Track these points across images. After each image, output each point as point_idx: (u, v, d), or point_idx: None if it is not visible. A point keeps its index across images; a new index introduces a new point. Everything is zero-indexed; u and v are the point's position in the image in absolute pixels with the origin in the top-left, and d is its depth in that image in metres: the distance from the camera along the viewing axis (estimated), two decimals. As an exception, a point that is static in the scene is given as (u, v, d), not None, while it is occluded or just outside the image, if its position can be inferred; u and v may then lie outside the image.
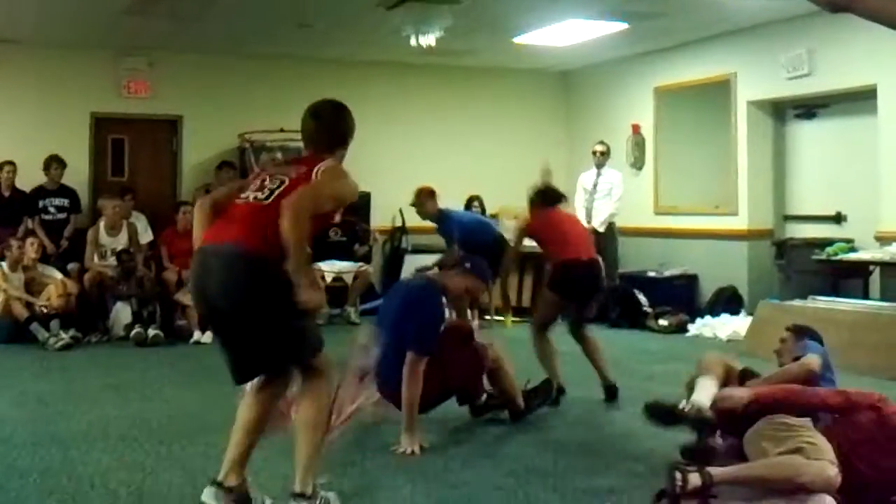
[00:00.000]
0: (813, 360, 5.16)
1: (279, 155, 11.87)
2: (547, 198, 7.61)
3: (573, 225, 7.79)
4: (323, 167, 4.46)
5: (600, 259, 7.58)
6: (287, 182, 4.40)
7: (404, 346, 5.83)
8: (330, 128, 4.73)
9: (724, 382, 5.15)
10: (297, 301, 4.17)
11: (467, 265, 6.36)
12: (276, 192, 4.36)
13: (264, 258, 4.23)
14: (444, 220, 10.64)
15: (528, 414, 6.34)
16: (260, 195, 4.40)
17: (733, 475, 4.40)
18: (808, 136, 11.50)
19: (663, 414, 5.19)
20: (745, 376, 5.37)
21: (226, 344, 4.49)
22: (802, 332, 5.48)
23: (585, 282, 7.34)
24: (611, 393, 7.25)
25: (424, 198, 10.63)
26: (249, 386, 4.61)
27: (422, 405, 5.87)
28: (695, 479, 4.32)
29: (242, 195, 4.47)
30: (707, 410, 4.98)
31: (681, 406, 5.07)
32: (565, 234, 7.39)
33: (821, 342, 5.41)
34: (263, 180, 4.49)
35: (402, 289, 6.61)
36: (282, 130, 11.65)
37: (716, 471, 4.37)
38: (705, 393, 5.06)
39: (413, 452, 5.66)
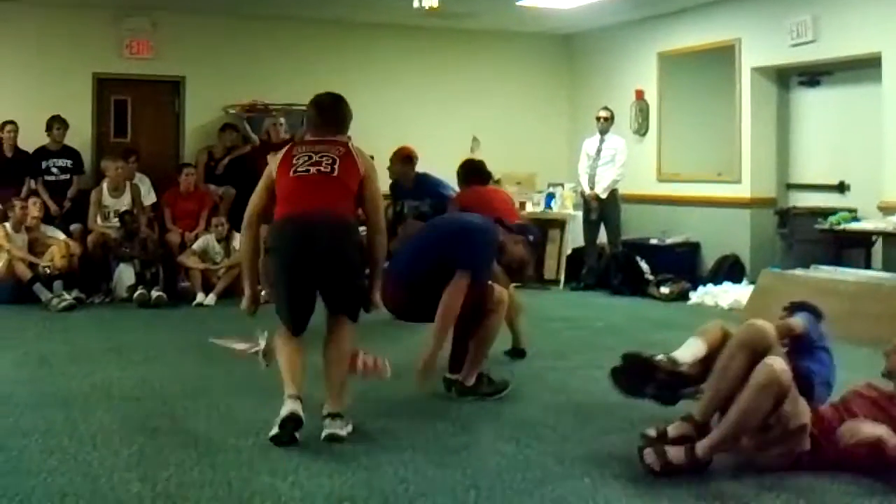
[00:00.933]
0: (796, 321, 5.22)
1: (283, 120, 11.87)
2: (476, 177, 8.09)
3: (502, 201, 7.99)
4: (365, 164, 5.41)
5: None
6: (338, 159, 5.29)
7: (455, 265, 5.84)
8: (333, 117, 5.55)
9: (719, 346, 5.15)
10: (371, 300, 5.48)
11: (530, 237, 6.37)
12: (337, 166, 5.27)
13: (349, 221, 5.34)
14: (426, 182, 9.85)
15: (470, 394, 6.21)
16: (323, 168, 5.25)
17: (718, 438, 4.53)
18: (811, 103, 11.46)
19: (636, 363, 5.17)
20: None
21: (309, 296, 5.28)
22: (795, 308, 5.51)
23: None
24: (517, 353, 7.52)
25: (402, 160, 9.83)
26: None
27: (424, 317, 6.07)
28: (677, 454, 4.48)
29: (300, 170, 5.27)
30: (681, 364, 5.07)
31: (657, 357, 5.13)
32: (496, 210, 7.36)
33: (819, 315, 5.41)
34: (310, 157, 5.31)
35: (464, 218, 6.51)
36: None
37: (701, 444, 4.50)
38: (689, 350, 5.15)
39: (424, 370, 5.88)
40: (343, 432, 5.13)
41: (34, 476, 4.52)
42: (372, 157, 5.64)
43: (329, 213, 5.21)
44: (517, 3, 11.92)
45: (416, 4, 10.65)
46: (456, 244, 6.01)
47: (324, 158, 5.29)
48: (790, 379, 4.51)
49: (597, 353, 7.41)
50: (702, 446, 4.54)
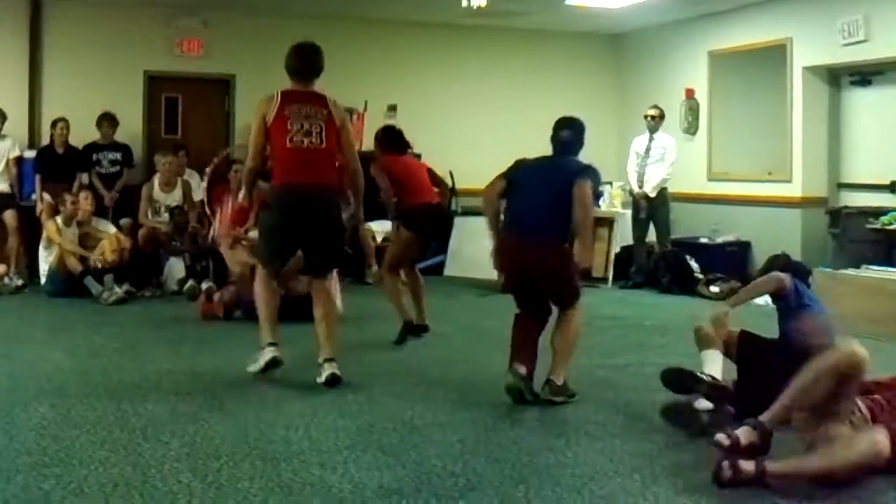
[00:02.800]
0: (775, 274, 5.59)
1: None
2: (397, 144, 8.45)
3: (420, 171, 8.47)
4: (340, 115, 6.44)
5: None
6: (324, 126, 6.29)
7: (572, 183, 5.93)
8: (313, 65, 6.49)
9: (726, 350, 5.52)
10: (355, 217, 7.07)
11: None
12: (324, 135, 6.29)
13: (334, 190, 6.47)
14: None
15: (560, 395, 6.04)
16: (314, 140, 6.26)
17: (793, 470, 4.46)
18: (863, 103, 11.34)
19: (684, 377, 5.46)
20: (744, 338, 5.68)
21: (292, 249, 6.50)
22: (781, 268, 5.79)
23: (437, 221, 8.63)
24: (415, 329, 8.08)
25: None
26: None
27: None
28: (748, 468, 4.39)
29: (295, 139, 6.23)
30: (721, 381, 5.36)
31: (699, 374, 5.36)
32: (419, 180, 8.26)
33: (804, 274, 5.66)
34: (302, 125, 6.25)
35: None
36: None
37: (772, 465, 4.41)
38: (716, 366, 5.46)
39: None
40: (340, 373, 6.22)
41: (86, 466, 4.56)
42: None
43: (318, 185, 6.31)
44: (566, 3, 11.88)
45: (464, 3, 10.65)
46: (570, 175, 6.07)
47: (314, 127, 6.26)
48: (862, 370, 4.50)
49: (646, 351, 7.39)
50: (771, 465, 4.41)
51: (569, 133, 6.35)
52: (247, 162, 6.59)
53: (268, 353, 6.35)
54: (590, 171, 6.09)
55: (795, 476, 4.45)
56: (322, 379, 6.17)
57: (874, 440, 4.38)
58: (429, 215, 8.24)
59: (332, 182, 6.41)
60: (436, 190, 8.48)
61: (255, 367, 6.39)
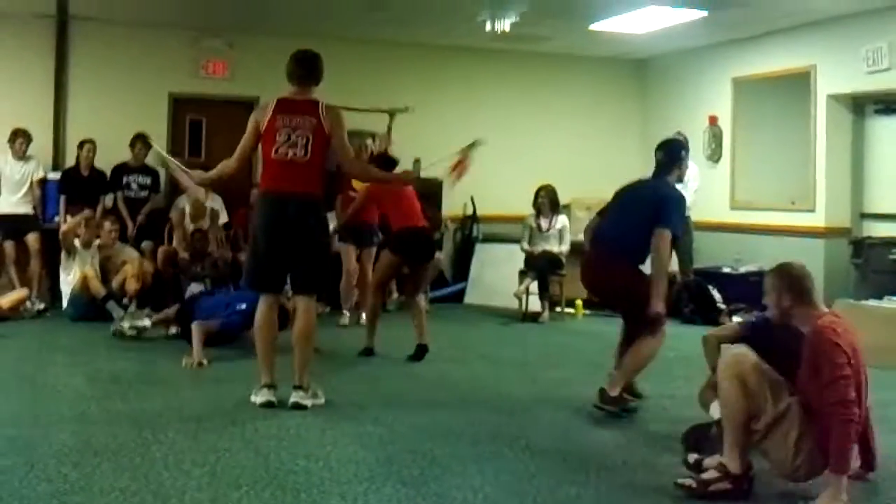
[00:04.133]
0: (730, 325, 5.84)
1: (369, 142, 11.62)
2: (389, 168, 8.90)
3: (411, 197, 8.71)
4: (329, 115, 6.55)
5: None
6: (311, 137, 6.45)
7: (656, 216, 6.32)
8: (310, 72, 6.79)
9: None
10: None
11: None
12: (310, 147, 6.44)
13: (315, 198, 6.57)
14: None
15: (609, 406, 6.34)
16: (298, 153, 6.43)
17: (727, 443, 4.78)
18: (887, 132, 11.27)
19: (698, 434, 5.51)
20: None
21: (278, 263, 6.52)
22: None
23: (418, 245, 8.61)
24: (419, 351, 8.43)
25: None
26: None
27: None
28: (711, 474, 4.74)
29: (280, 151, 6.44)
30: None
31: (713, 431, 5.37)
32: (408, 206, 8.60)
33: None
34: (289, 136, 6.45)
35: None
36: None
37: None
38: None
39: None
40: (307, 402, 6.39)
41: (106, 495, 4.55)
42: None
43: (298, 192, 6.45)
44: (590, 28, 11.89)
45: (488, 28, 10.68)
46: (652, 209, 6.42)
47: (300, 139, 6.45)
48: (749, 361, 4.74)
49: (668, 382, 7.34)
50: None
51: (661, 154, 6.79)
52: (228, 160, 6.83)
53: (262, 397, 6.46)
54: (672, 207, 6.42)
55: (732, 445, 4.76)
56: (289, 403, 6.40)
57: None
58: (411, 238, 8.55)
59: (312, 191, 6.53)
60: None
61: (255, 401, 6.49)
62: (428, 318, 8.74)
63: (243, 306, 8.40)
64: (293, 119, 6.51)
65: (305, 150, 6.46)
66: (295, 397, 6.40)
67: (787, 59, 11.91)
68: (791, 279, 4.89)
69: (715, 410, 5.20)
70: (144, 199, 11.63)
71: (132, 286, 10.24)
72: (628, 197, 6.70)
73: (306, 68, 6.77)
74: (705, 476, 4.75)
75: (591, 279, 6.81)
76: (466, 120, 13.30)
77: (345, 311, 10.51)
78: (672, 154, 6.78)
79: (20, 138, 11.17)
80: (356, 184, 10.06)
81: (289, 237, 6.46)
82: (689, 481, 4.77)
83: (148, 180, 11.65)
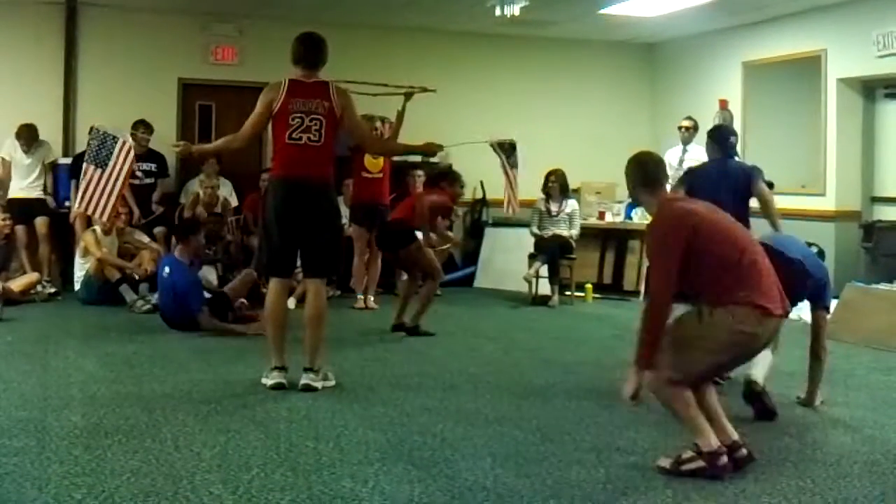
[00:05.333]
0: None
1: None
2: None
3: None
4: (342, 103, 6.58)
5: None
6: (323, 120, 6.48)
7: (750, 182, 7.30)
8: (317, 55, 6.78)
9: None
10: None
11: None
12: (323, 131, 6.48)
13: (330, 184, 6.70)
14: None
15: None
16: (312, 137, 6.46)
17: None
18: (897, 116, 11.28)
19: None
20: None
21: (292, 247, 6.61)
22: None
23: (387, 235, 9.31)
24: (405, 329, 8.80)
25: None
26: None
27: None
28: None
29: (294, 136, 6.45)
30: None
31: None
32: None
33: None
34: (302, 120, 6.47)
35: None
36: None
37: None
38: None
39: None
40: (317, 384, 6.43)
41: (118, 476, 4.57)
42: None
43: (312, 176, 6.51)
44: (600, 12, 11.86)
45: (497, 12, 10.66)
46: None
47: (313, 123, 6.47)
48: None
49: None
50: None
51: (734, 139, 7.67)
52: (237, 134, 6.82)
53: (273, 379, 6.51)
54: (756, 171, 7.39)
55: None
56: (299, 385, 6.44)
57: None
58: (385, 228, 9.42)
59: (325, 176, 6.61)
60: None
61: (265, 383, 6.55)
62: (438, 301, 8.76)
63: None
64: (306, 103, 6.53)
65: (319, 135, 6.49)
66: (305, 379, 6.43)
67: (798, 44, 11.87)
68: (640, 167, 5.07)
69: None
70: (150, 185, 11.63)
71: (149, 269, 10.35)
72: (715, 177, 7.23)
73: (314, 51, 6.77)
74: (682, 455, 4.77)
75: None
76: (476, 105, 13.31)
77: (358, 295, 10.55)
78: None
79: (23, 138, 11.17)
80: (369, 164, 10.22)
81: (304, 221, 6.51)
82: (664, 462, 4.81)
83: (153, 166, 11.64)
